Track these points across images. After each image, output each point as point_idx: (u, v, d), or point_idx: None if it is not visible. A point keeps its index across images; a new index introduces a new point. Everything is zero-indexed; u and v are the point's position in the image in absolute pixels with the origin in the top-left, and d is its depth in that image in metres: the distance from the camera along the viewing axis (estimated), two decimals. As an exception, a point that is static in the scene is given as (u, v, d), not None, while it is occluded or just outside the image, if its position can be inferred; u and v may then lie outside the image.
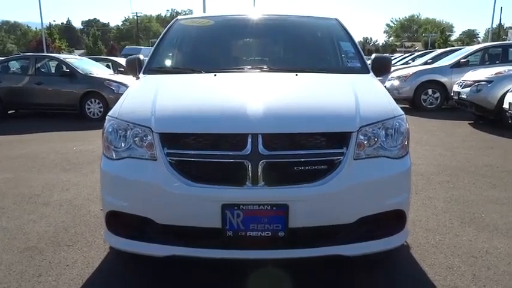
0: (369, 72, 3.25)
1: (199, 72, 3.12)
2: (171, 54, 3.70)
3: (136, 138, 2.27)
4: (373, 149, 2.26)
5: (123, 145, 2.31)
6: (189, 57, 3.67)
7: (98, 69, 11.56)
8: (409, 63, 16.39)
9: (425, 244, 3.06)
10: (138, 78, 3.25)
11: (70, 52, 54.55)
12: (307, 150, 2.15)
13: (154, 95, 2.50)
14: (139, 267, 2.68)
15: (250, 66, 3.27)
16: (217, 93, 2.62)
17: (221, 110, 2.28)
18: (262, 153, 2.10)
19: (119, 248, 2.41)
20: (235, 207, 2.09)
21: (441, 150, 6.32)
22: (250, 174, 2.10)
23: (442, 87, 11.27)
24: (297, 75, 2.97)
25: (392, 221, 2.32)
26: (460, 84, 9.22)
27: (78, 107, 10.41)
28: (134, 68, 3.40)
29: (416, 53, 20.80)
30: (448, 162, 5.57)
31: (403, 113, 2.48)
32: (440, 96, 11.29)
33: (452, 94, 9.82)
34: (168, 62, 3.62)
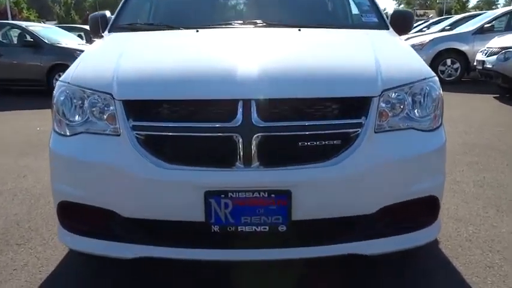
0: (388, 28, 2.92)
1: (178, 28, 2.79)
2: (143, 7, 3.34)
3: (94, 109, 1.95)
4: (399, 120, 1.96)
5: (78, 118, 1.99)
6: (165, 10, 3.33)
7: (67, 39, 11.14)
8: (424, 31, 16.01)
9: (456, 237, 2.78)
10: (101, 37, 2.91)
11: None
12: (314, 121, 1.84)
13: (118, 55, 2.17)
14: (106, 270, 2.39)
15: (241, 21, 2.93)
16: (199, 52, 2.29)
17: (203, 70, 1.96)
18: (257, 124, 1.79)
19: (76, 249, 2.11)
20: (222, 195, 1.79)
21: (465, 127, 6.03)
22: (242, 153, 1.80)
23: (462, 57, 10.95)
24: (299, 30, 2.64)
25: (423, 210, 2.03)
26: (484, 52, 8.91)
27: (45, 82, 10.01)
28: (98, 27, 3.05)
29: (431, 20, 20.39)
30: (476, 140, 5.30)
31: (434, 74, 2.16)
32: (460, 67, 10.98)
33: (475, 64, 9.52)
34: (139, 18, 3.26)
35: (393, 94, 1.95)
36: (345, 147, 1.85)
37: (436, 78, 2.14)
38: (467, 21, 12.67)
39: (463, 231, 2.86)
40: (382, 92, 1.91)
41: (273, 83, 1.86)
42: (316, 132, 1.84)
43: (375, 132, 1.89)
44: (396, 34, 2.88)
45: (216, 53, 2.24)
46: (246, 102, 1.80)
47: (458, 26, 12.55)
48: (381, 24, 2.97)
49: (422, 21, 21.61)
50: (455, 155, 4.63)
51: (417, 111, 2.00)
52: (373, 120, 1.88)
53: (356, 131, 1.86)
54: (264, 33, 2.67)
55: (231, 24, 2.85)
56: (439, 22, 16.24)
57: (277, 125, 1.82)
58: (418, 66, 2.17)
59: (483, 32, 10.73)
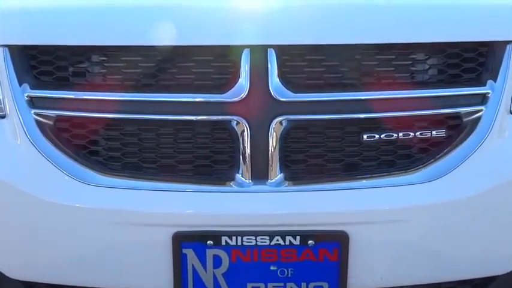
0: None
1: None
2: None
3: None
4: None
5: None
6: None
7: None
8: None
9: None
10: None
11: None
12: (393, 93, 0.91)
13: None
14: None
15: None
16: None
17: None
18: (280, 97, 0.87)
19: None
20: (210, 242, 0.87)
21: None
22: (248, 157, 0.87)
23: None
24: None
25: None
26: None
27: None
28: None
29: None
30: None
31: None
32: None
33: None
34: None
35: None
36: (456, 142, 0.91)
37: None
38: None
39: None
40: None
41: (311, 17, 0.91)
42: (397, 113, 0.90)
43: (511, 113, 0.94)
44: None
45: None
46: (257, 52, 0.87)
47: None
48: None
49: None
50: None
51: None
52: (509, 89, 0.93)
53: (476, 112, 0.91)
54: None
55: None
56: None
57: (321, 100, 0.89)
58: None
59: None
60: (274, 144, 0.87)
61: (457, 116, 0.92)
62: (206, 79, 0.91)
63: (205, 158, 0.91)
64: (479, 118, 0.92)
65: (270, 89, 0.86)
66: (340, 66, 0.92)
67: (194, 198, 0.89)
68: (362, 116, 0.90)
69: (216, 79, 0.91)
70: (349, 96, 0.90)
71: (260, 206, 0.88)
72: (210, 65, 0.91)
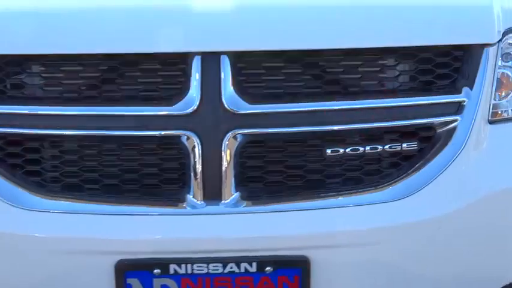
0: None
1: None
2: None
3: None
4: None
5: None
6: None
7: None
8: None
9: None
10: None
11: None
12: (359, 103, 0.83)
13: None
14: None
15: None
16: None
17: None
18: (235, 109, 0.78)
19: None
20: (157, 270, 0.78)
21: None
22: (200, 174, 0.79)
23: None
24: None
25: None
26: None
27: None
28: None
29: None
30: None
31: None
32: None
33: None
34: None
35: None
36: (429, 156, 0.83)
37: None
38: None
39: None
40: (503, 36, 0.87)
41: (268, 20, 0.83)
42: (363, 125, 0.82)
43: (490, 123, 0.86)
44: None
45: None
46: (209, 60, 0.78)
47: None
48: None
49: None
50: None
51: None
52: (487, 97, 0.85)
53: (450, 122, 0.83)
54: None
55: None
56: None
57: (280, 111, 0.81)
58: None
59: None
60: (228, 160, 0.79)
61: (430, 127, 0.84)
62: (153, 90, 0.82)
63: (153, 177, 0.83)
64: (454, 129, 0.84)
65: (223, 100, 0.78)
66: (302, 74, 0.84)
67: (140, 221, 0.80)
68: (325, 128, 0.82)
69: (164, 90, 0.82)
70: (310, 107, 0.81)
71: (212, 229, 0.79)
72: (157, 74, 0.83)
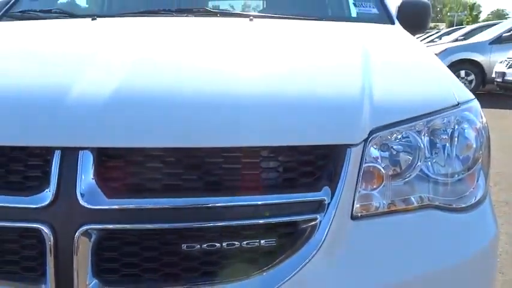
0: (393, 23, 1.86)
1: (74, 16, 1.78)
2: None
3: None
4: (404, 186, 0.91)
5: None
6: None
7: None
8: (435, 41, 14.81)
9: None
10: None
11: None
12: (214, 200, 0.82)
13: None
14: None
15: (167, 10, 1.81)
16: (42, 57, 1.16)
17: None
18: (89, 205, 0.78)
19: None
20: None
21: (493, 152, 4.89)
22: (54, 268, 0.79)
23: (478, 68, 9.74)
24: (251, 20, 1.60)
25: None
26: (505, 63, 7.76)
27: None
28: None
29: (443, 31, 19.19)
30: (509, 170, 4.15)
31: (473, 97, 1.12)
32: (475, 79, 9.77)
33: (493, 75, 8.37)
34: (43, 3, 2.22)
35: (393, 136, 0.92)
36: (289, 252, 0.82)
37: (477, 105, 1.09)
38: (481, 31, 11.46)
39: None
40: (369, 135, 0.87)
41: (128, 117, 0.84)
42: (218, 223, 0.81)
43: (353, 219, 0.86)
44: (406, 32, 1.81)
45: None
46: (69, 154, 0.79)
47: (472, 37, 11.37)
48: (383, 17, 1.90)
49: (435, 31, 20.37)
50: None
51: (441, 166, 0.96)
52: (349, 194, 0.85)
53: (310, 220, 0.82)
54: (187, 24, 1.62)
55: (155, 12, 1.79)
56: (451, 33, 15.02)
57: (136, 207, 0.80)
58: (446, 83, 1.13)
59: (501, 41, 9.52)
60: (80, 254, 0.78)
61: (290, 224, 0.84)
62: (17, 181, 0.83)
63: (14, 264, 0.83)
64: (315, 227, 0.83)
65: (77, 194, 0.78)
66: (162, 169, 0.83)
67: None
68: (182, 225, 0.81)
69: (28, 180, 0.83)
70: (168, 203, 0.80)
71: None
72: (24, 164, 0.83)
